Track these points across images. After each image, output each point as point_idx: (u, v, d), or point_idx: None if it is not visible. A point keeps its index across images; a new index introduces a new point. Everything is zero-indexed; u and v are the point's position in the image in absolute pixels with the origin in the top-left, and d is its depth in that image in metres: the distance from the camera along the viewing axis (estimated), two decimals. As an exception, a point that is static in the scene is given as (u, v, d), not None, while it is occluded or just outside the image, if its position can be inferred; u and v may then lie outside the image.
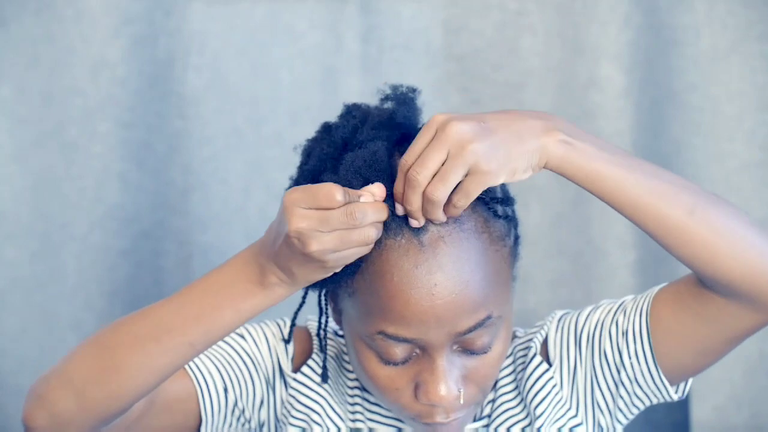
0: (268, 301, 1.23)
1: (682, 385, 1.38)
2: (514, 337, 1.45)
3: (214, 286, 1.24)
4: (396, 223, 1.24)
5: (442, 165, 1.18)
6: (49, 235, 2.06)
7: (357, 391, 1.43)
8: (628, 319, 1.35)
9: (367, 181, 1.23)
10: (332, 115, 2.08)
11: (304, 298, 1.39)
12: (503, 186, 1.34)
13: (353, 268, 1.25)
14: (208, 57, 2.07)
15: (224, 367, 1.43)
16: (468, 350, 1.28)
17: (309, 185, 1.17)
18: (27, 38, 2.03)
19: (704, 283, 1.28)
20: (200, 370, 1.41)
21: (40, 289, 2.06)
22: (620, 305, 1.38)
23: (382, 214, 1.19)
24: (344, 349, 1.44)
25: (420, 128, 1.26)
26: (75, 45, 2.04)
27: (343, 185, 1.19)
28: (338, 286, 1.30)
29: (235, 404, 1.43)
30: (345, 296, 1.30)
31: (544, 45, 2.08)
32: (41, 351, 2.07)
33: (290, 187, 1.30)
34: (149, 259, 2.07)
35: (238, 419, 1.44)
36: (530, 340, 1.42)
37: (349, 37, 2.08)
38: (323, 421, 1.42)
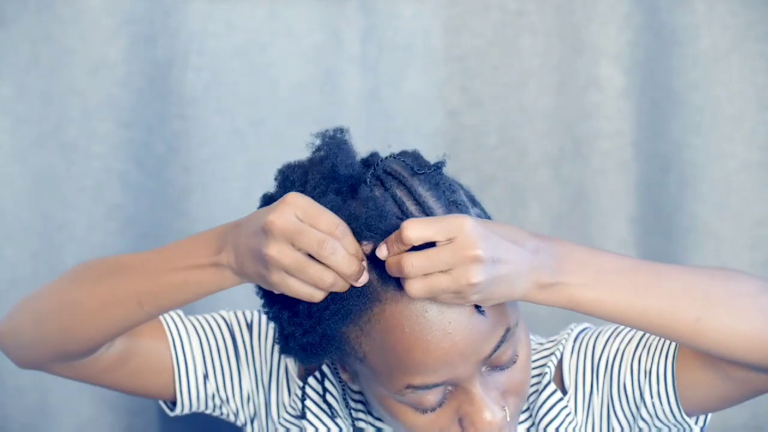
0: (214, 279, 1.21)
1: (702, 417, 1.35)
2: None
3: (177, 251, 1.24)
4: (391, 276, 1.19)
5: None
6: (49, 235, 2.06)
7: (360, 405, 1.41)
8: (653, 358, 1.32)
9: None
10: (332, 115, 2.09)
11: None
12: (467, 191, 1.30)
13: (342, 319, 1.20)
14: (208, 57, 2.07)
15: (210, 352, 1.41)
16: (498, 366, 1.24)
17: (318, 204, 1.15)
18: (27, 38, 2.03)
19: None
20: (183, 351, 1.40)
21: (40, 289, 2.06)
22: (644, 338, 1.34)
23: (354, 268, 1.15)
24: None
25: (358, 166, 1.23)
26: (75, 45, 2.04)
27: None
28: (344, 354, 1.25)
29: (215, 393, 1.42)
30: (355, 362, 1.25)
31: (544, 45, 2.08)
32: (41, 351, 2.07)
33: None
34: (149, 260, 2.07)
35: (220, 408, 1.43)
36: (545, 362, 1.38)
37: (349, 37, 2.07)
38: (325, 426, 1.40)
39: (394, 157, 1.27)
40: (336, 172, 1.22)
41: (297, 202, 1.15)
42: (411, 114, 2.09)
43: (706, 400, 1.31)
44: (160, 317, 1.41)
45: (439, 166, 1.26)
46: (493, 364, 1.24)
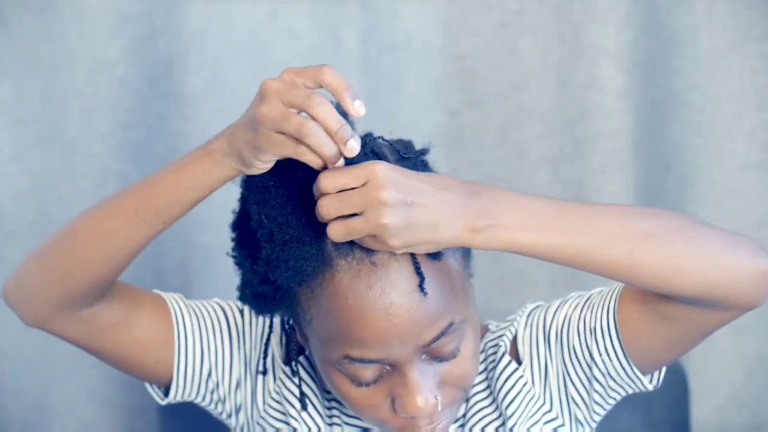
0: (205, 168, 1.24)
1: (656, 374, 1.38)
2: (487, 331, 1.45)
3: (177, 162, 1.26)
4: (346, 243, 1.22)
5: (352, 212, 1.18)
6: (49, 235, 2.06)
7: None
8: (595, 316, 1.35)
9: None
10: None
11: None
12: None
13: (295, 276, 1.24)
14: (208, 57, 2.07)
15: (207, 332, 1.43)
16: (437, 357, 1.27)
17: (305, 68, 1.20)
18: (27, 38, 2.03)
19: None
20: (185, 326, 1.42)
21: (40, 289, 2.06)
22: (587, 300, 1.38)
23: (327, 149, 1.18)
24: None
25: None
26: (75, 45, 2.04)
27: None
28: (294, 313, 1.29)
29: (210, 374, 1.43)
30: (305, 324, 1.29)
31: (544, 45, 2.08)
32: (41, 351, 2.07)
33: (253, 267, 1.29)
34: (149, 260, 2.07)
35: (212, 394, 1.44)
36: (500, 337, 1.42)
37: (349, 37, 2.08)
38: (300, 418, 1.42)
39: (384, 140, 1.31)
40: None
41: (289, 75, 1.20)
42: (411, 114, 2.09)
43: (653, 349, 1.33)
44: (162, 295, 1.43)
45: (423, 153, 1.31)
46: (432, 353, 1.26)
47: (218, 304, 1.47)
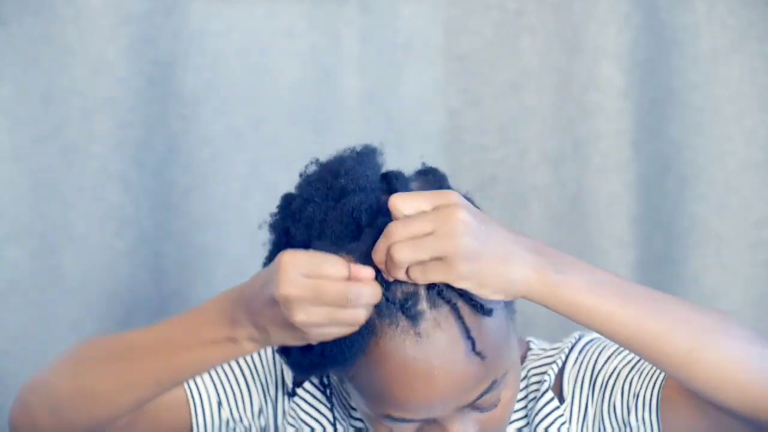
0: (235, 353, 1.20)
1: None
2: (528, 349, 1.41)
3: (186, 327, 1.22)
4: (390, 308, 1.19)
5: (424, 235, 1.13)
6: (49, 235, 2.06)
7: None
8: (642, 383, 1.31)
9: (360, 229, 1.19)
10: (331, 116, 2.09)
11: None
12: None
13: (349, 357, 1.20)
14: (208, 57, 2.07)
15: (219, 377, 1.41)
16: (478, 408, 1.24)
17: (312, 251, 1.14)
18: (27, 38, 2.03)
19: None
20: (196, 383, 1.39)
21: (40, 290, 2.06)
22: (639, 363, 1.33)
23: (377, 297, 1.15)
24: None
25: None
26: (74, 45, 2.04)
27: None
28: (337, 371, 1.27)
29: (229, 418, 1.41)
30: (346, 379, 1.26)
31: (544, 45, 2.08)
32: (41, 351, 2.07)
33: (267, 263, 1.25)
34: (149, 260, 2.07)
35: (234, 429, 1.42)
36: (546, 369, 1.37)
37: (349, 37, 2.07)
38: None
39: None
40: (358, 218, 1.21)
41: (295, 262, 1.13)
42: (411, 114, 2.09)
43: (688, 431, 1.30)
44: None
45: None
46: (474, 406, 1.24)
47: None
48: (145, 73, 2.06)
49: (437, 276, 1.14)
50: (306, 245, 1.20)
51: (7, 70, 2.04)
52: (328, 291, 1.12)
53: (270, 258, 1.27)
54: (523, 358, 1.40)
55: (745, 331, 1.22)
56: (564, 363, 1.38)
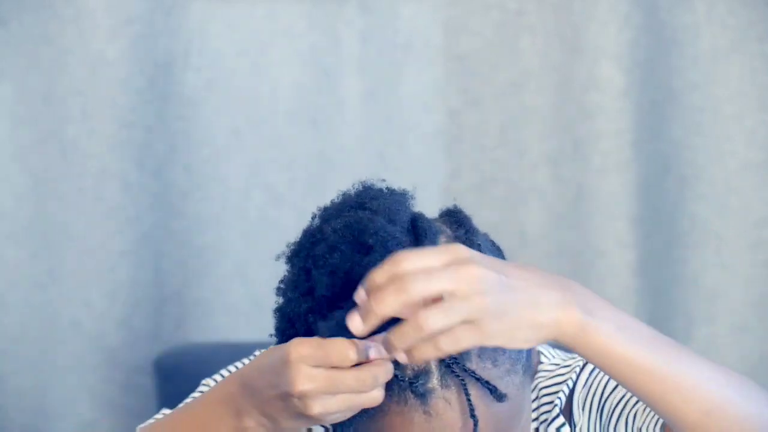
0: None
1: None
2: (539, 363, 1.36)
3: (194, 421, 1.18)
4: (399, 386, 1.14)
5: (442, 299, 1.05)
6: (49, 235, 2.06)
7: None
8: (644, 418, 1.28)
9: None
10: (331, 116, 2.09)
11: None
12: None
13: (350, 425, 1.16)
14: (208, 57, 2.07)
15: None
16: None
17: (318, 339, 1.09)
18: (27, 38, 2.03)
19: None
20: None
21: (40, 289, 2.06)
22: None
23: (390, 373, 1.10)
24: None
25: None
26: (75, 45, 2.04)
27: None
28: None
29: None
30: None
31: (544, 45, 2.08)
32: (41, 351, 2.07)
33: (279, 341, 1.20)
34: (149, 260, 2.07)
35: None
36: (557, 390, 1.33)
37: (349, 37, 2.07)
38: None
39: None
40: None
41: (304, 355, 1.09)
42: (411, 114, 2.09)
43: None
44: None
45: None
46: None
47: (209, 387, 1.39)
48: (145, 73, 2.06)
49: (468, 341, 1.07)
50: (328, 290, 1.16)
51: (7, 70, 2.04)
52: (343, 380, 1.08)
53: (284, 292, 1.22)
54: (534, 372, 1.35)
55: (760, 394, 1.19)
56: (574, 384, 1.34)
